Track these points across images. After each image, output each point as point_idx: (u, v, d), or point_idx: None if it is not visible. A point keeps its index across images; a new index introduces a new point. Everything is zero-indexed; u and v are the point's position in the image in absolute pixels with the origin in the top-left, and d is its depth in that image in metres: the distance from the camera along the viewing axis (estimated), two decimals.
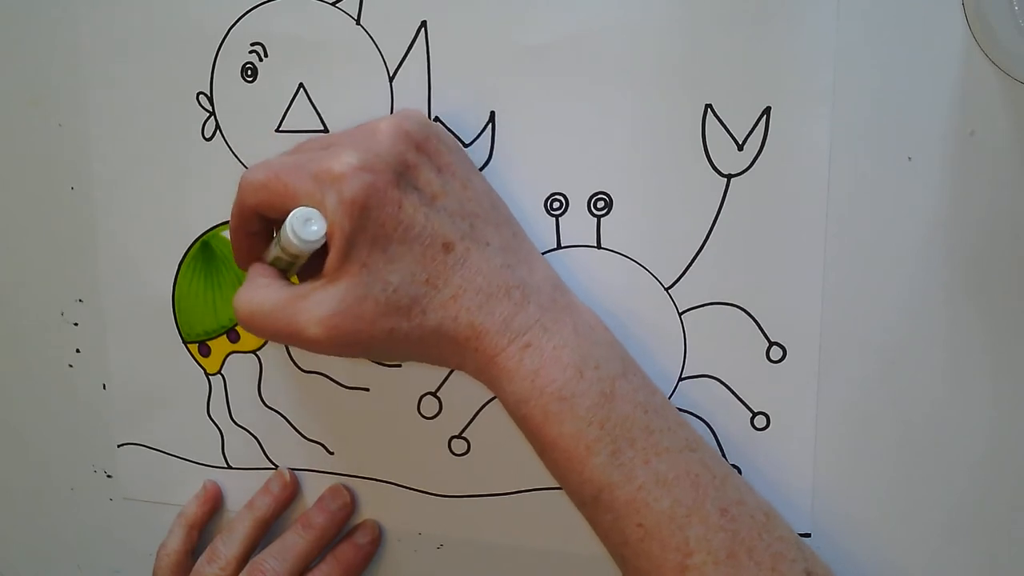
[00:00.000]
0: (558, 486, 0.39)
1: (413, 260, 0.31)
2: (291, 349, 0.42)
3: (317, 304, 0.31)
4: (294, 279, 0.36)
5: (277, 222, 0.34)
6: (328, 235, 0.31)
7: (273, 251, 0.34)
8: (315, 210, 0.31)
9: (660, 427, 0.32)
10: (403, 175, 0.32)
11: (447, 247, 0.32)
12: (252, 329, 0.33)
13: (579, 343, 0.32)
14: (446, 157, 0.34)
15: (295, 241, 0.31)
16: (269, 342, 0.42)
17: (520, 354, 0.32)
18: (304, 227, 0.31)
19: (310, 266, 0.35)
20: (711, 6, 0.34)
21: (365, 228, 0.30)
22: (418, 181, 0.32)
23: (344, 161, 0.31)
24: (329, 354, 0.32)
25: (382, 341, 0.32)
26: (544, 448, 0.32)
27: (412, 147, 0.32)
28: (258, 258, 0.36)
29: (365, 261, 0.31)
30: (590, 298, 0.37)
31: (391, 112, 0.38)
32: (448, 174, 0.33)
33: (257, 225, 0.35)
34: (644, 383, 0.33)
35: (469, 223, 0.33)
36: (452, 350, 0.33)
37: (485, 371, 0.33)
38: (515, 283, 0.33)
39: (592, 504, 0.32)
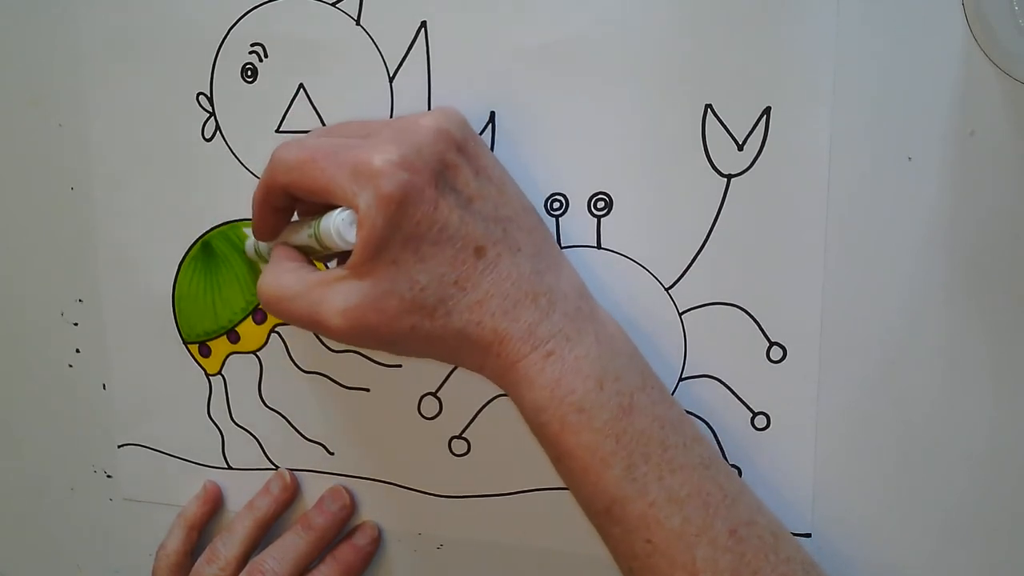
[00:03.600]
0: (558, 486, 0.39)
1: (444, 261, 0.31)
2: (291, 349, 0.42)
3: (341, 294, 0.31)
4: (318, 264, 0.36)
5: (304, 203, 0.34)
6: (358, 226, 0.30)
7: (302, 238, 0.34)
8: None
9: (676, 443, 0.32)
10: (442, 175, 0.31)
11: (479, 251, 0.32)
12: (274, 312, 0.33)
13: (600, 354, 0.32)
14: (483, 160, 0.33)
15: (339, 242, 0.31)
16: (269, 344, 0.42)
17: (542, 362, 0.32)
18: (350, 230, 0.31)
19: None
20: (711, 6, 0.34)
21: (399, 226, 0.30)
22: (456, 182, 0.32)
23: (384, 156, 0.30)
24: (349, 344, 0.32)
25: (403, 337, 0.31)
26: (559, 456, 0.32)
27: (453, 147, 0.32)
28: (277, 232, 0.36)
29: (395, 258, 0.30)
30: None
31: (391, 114, 0.38)
32: (484, 177, 0.33)
33: (284, 202, 0.34)
34: (662, 396, 0.33)
35: (502, 228, 0.32)
36: (473, 353, 0.32)
37: (505, 377, 0.32)
38: (543, 290, 0.32)
39: (603, 516, 0.32)
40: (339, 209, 0.31)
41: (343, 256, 0.36)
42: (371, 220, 0.30)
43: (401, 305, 0.31)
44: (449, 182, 0.31)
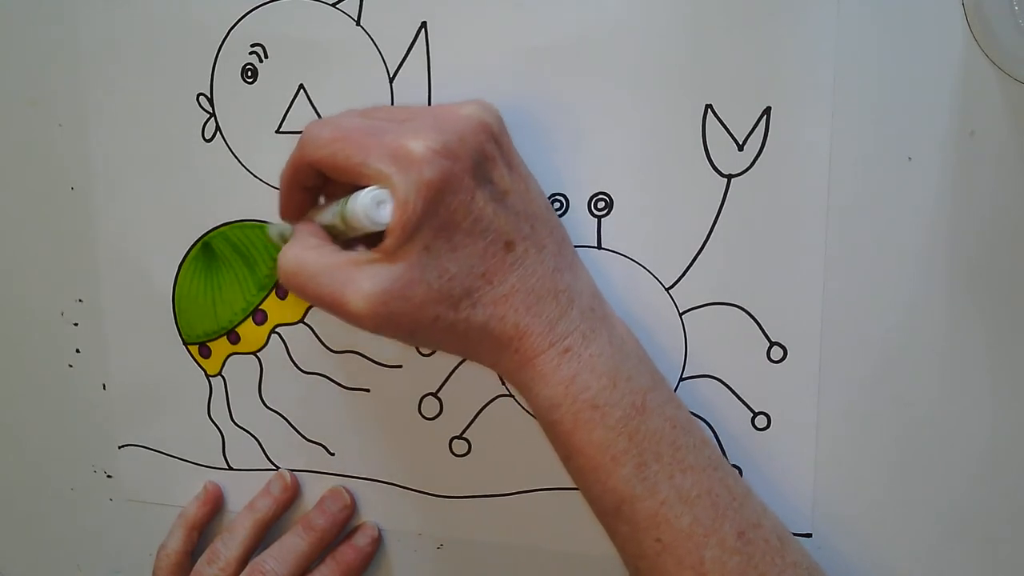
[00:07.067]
0: (558, 487, 0.39)
1: (474, 252, 0.31)
2: (291, 350, 0.42)
3: (369, 278, 0.30)
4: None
5: (333, 182, 0.33)
6: (394, 210, 0.30)
7: (328, 217, 0.33)
8: (387, 191, 0.30)
9: (686, 443, 0.32)
10: (481, 166, 0.31)
11: (509, 246, 0.31)
12: (294, 288, 0.32)
13: (613, 353, 0.32)
14: (515, 156, 0.33)
15: (366, 222, 0.30)
16: (269, 345, 0.42)
17: (559, 358, 0.32)
18: (378, 210, 0.30)
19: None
20: (711, 6, 0.34)
21: (436, 213, 0.30)
22: (493, 175, 0.32)
23: (426, 142, 0.29)
24: (367, 330, 0.31)
25: (424, 327, 0.31)
26: (570, 455, 0.32)
27: (491, 139, 0.32)
28: (303, 213, 0.35)
29: (428, 245, 0.30)
30: None
31: None
32: (516, 173, 0.33)
33: (312, 180, 0.34)
34: (671, 398, 0.33)
35: (531, 224, 0.32)
36: (491, 348, 0.32)
37: (520, 372, 0.32)
38: (563, 287, 0.33)
39: (613, 514, 0.32)
40: (368, 188, 0.30)
41: (366, 240, 0.35)
42: (410, 204, 0.29)
43: (428, 294, 0.30)
44: (486, 174, 0.31)
